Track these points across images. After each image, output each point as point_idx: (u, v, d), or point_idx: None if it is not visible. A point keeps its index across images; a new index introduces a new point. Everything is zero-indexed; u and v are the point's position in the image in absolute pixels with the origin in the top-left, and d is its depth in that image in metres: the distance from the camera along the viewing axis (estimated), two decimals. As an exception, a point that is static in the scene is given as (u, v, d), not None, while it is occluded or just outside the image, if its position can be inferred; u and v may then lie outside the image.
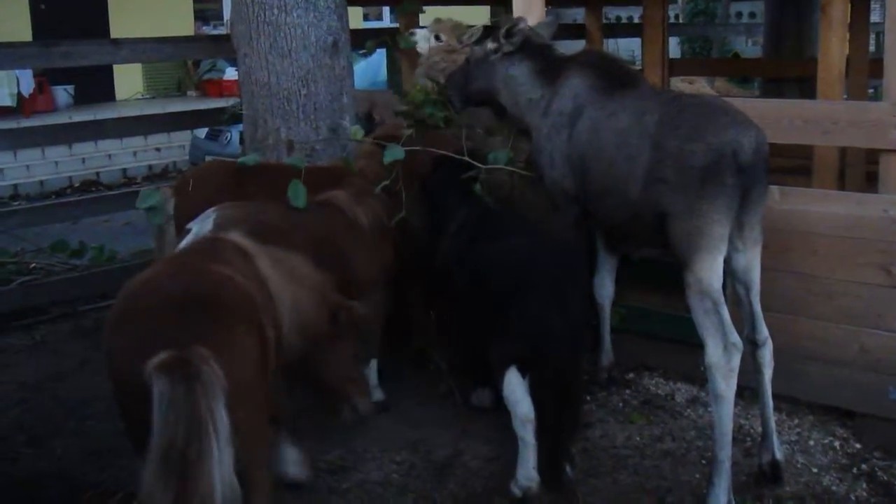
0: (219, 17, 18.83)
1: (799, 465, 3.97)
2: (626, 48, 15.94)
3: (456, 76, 4.81)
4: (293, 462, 3.69)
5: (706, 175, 3.46)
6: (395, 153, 4.47)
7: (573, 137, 4.12)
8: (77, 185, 12.49)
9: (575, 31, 9.60)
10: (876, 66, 5.48)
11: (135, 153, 13.45)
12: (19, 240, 6.99)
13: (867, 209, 4.03)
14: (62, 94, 15.65)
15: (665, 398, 4.62)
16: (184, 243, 3.85)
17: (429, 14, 6.57)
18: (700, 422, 4.34)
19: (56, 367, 5.31)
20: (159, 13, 16.40)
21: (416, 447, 4.18)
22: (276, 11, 5.13)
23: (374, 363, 4.44)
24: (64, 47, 5.97)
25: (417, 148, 4.57)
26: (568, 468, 3.77)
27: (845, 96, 5.97)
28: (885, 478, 3.87)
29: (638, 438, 4.23)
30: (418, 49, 5.71)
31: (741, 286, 3.78)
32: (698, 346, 3.58)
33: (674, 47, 18.29)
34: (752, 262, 3.71)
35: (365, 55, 6.44)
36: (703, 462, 3.97)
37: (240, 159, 4.65)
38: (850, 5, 5.28)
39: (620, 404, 4.57)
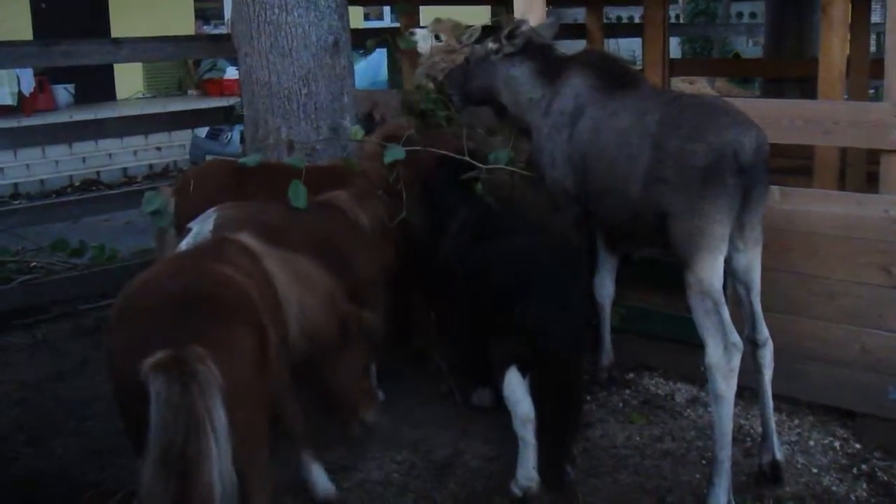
0: (219, 16, 18.85)
1: (799, 466, 3.97)
2: (627, 48, 15.94)
3: (455, 74, 4.81)
4: (322, 483, 3.67)
5: (707, 175, 3.46)
6: (395, 153, 4.47)
7: (574, 137, 4.12)
8: (77, 184, 12.48)
9: (575, 31, 9.59)
10: (877, 67, 5.47)
11: (135, 152, 13.45)
12: (20, 239, 6.99)
13: (868, 209, 4.03)
14: (63, 93, 15.66)
15: (665, 398, 4.62)
16: (184, 243, 3.85)
17: (429, 14, 6.57)
18: (700, 422, 4.34)
19: (56, 367, 5.31)
20: (160, 12, 16.40)
21: (417, 447, 4.18)
22: (276, 11, 5.13)
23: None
24: (64, 46, 5.97)
25: (418, 148, 4.57)
26: (568, 468, 3.77)
27: (846, 97, 5.96)
28: (886, 478, 3.87)
29: (638, 438, 4.23)
30: (418, 49, 5.72)
31: (742, 286, 3.78)
32: (699, 346, 3.58)
33: (674, 47, 18.28)
34: (752, 262, 3.71)
35: (365, 54, 6.44)
36: (704, 462, 3.97)
37: (241, 160, 4.65)
38: (850, 5, 5.27)
39: (620, 404, 4.57)
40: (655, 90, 4.32)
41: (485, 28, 5.70)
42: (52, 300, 6.24)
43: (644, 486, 3.84)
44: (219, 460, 2.52)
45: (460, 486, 3.87)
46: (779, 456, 3.81)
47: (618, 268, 4.61)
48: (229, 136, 10.89)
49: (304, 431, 3.60)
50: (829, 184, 5.32)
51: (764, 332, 3.77)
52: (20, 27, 14.54)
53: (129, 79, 16.90)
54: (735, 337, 3.50)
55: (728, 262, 3.63)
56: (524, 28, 4.42)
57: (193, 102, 14.67)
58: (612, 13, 17.12)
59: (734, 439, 3.63)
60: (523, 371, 3.65)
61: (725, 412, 3.50)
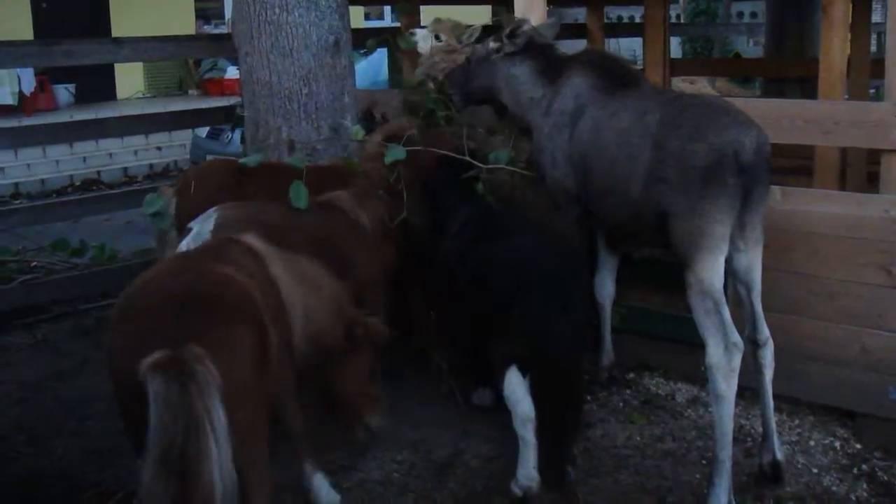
0: (220, 15, 18.85)
1: (799, 466, 3.97)
2: (628, 48, 15.92)
3: (456, 74, 4.82)
4: (325, 494, 3.63)
5: (708, 175, 3.46)
6: (396, 153, 4.47)
7: (575, 137, 4.12)
8: (78, 183, 12.48)
9: (576, 30, 9.59)
10: (877, 67, 5.47)
11: (136, 152, 13.45)
12: (20, 238, 6.99)
13: (868, 209, 4.03)
14: (63, 92, 15.66)
15: (666, 398, 4.62)
16: (184, 242, 3.85)
17: (429, 13, 6.57)
18: (701, 422, 4.34)
19: (57, 367, 5.31)
20: (160, 12, 16.40)
21: (417, 446, 4.18)
22: (277, 10, 5.13)
23: None
24: (65, 46, 5.97)
25: (419, 148, 4.57)
26: (569, 468, 3.77)
27: (846, 96, 5.96)
28: (886, 478, 3.87)
29: (638, 438, 4.23)
30: (419, 49, 5.72)
31: (742, 286, 3.77)
32: (699, 346, 3.58)
33: (675, 47, 18.25)
34: (753, 262, 3.70)
35: (366, 54, 6.43)
36: (704, 462, 3.97)
37: (242, 160, 4.65)
38: (851, 5, 5.27)
39: (621, 404, 4.57)
40: (656, 90, 4.32)
41: (485, 28, 5.71)
42: (53, 300, 6.24)
43: (645, 486, 3.84)
44: (219, 460, 2.51)
45: (460, 485, 3.87)
46: (779, 456, 3.81)
47: (618, 267, 4.61)
48: (230, 136, 10.89)
49: (305, 435, 3.57)
50: (830, 184, 5.32)
51: (764, 332, 3.77)
52: (21, 27, 14.54)
53: (130, 78, 16.90)
54: (736, 337, 3.50)
55: (729, 262, 3.63)
56: (525, 27, 4.43)
57: (194, 102, 14.67)
58: (613, 13, 17.10)
59: (735, 439, 3.62)
60: (523, 371, 3.65)
61: (726, 412, 3.50)
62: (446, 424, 4.38)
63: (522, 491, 3.66)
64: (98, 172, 12.80)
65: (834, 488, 3.80)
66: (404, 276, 4.67)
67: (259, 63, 5.21)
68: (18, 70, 13.65)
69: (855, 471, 3.93)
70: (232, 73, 15.55)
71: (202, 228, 3.90)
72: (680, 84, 10.40)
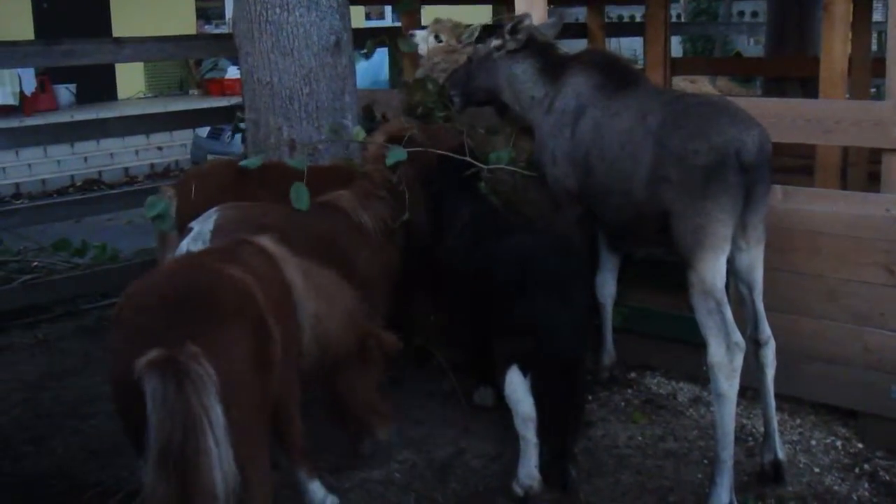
0: (221, 15, 18.85)
1: (801, 465, 3.97)
2: (629, 47, 15.90)
3: (458, 75, 4.81)
4: (319, 498, 3.58)
5: (709, 174, 3.46)
6: (397, 154, 4.46)
7: (576, 136, 4.12)
8: (79, 183, 12.50)
9: (577, 30, 9.58)
10: (878, 66, 5.46)
11: (137, 152, 13.46)
12: (21, 238, 6.98)
13: (870, 208, 4.02)
14: (64, 92, 15.67)
15: (667, 398, 4.62)
16: (184, 242, 3.85)
17: (430, 13, 6.57)
18: (702, 421, 4.34)
19: (58, 366, 5.32)
20: (161, 12, 16.42)
21: (418, 446, 4.18)
22: (278, 10, 5.12)
23: None
24: (66, 46, 5.97)
25: (420, 148, 4.56)
26: (570, 467, 3.77)
27: (847, 95, 5.95)
28: (888, 478, 3.87)
29: (640, 438, 4.23)
30: (419, 50, 5.71)
31: (744, 285, 3.77)
32: (701, 346, 3.58)
33: (676, 46, 18.25)
34: (755, 261, 3.70)
35: (366, 56, 6.42)
36: (706, 462, 3.97)
37: (243, 161, 4.64)
38: (852, 4, 5.26)
39: (622, 404, 4.57)
40: (657, 89, 4.32)
41: (485, 27, 5.70)
42: (54, 300, 6.25)
43: (646, 486, 3.83)
44: (219, 458, 2.51)
45: (462, 485, 3.87)
46: (781, 455, 3.80)
47: (620, 267, 4.61)
48: (230, 136, 10.89)
49: (302, 442, 3.50)
50: (831, 183, 5.31)
51: (766, 331, 3.76)
52: (22, 27, 14.56)
53: (131, 78, 16.91)
54: (737, 336, 3.49)
55: (731, 261, 3.63)
56: (527, 22, 4.42)
57: (195, 102, 14.69)
58: (614, 12, 17.10)
59: (736, 439, 3.62)
60: (525, 370, 3.65)
61: (728, 412, 3.50)
62: (448, 423, 4.38)
63: (524, 490, 3.66)
64: (99, 172, 12.82)
65: (836, 488, 3.80)
66: (406, 275, 4.66)
67: (260, 63, 5.21)
68: (19, 70, 13.67)
69: (857, 470, 3.93)
70: (233, 72, 15.56)
71: (202, 228, 3.89)
72: (681, 83, 10.37)
